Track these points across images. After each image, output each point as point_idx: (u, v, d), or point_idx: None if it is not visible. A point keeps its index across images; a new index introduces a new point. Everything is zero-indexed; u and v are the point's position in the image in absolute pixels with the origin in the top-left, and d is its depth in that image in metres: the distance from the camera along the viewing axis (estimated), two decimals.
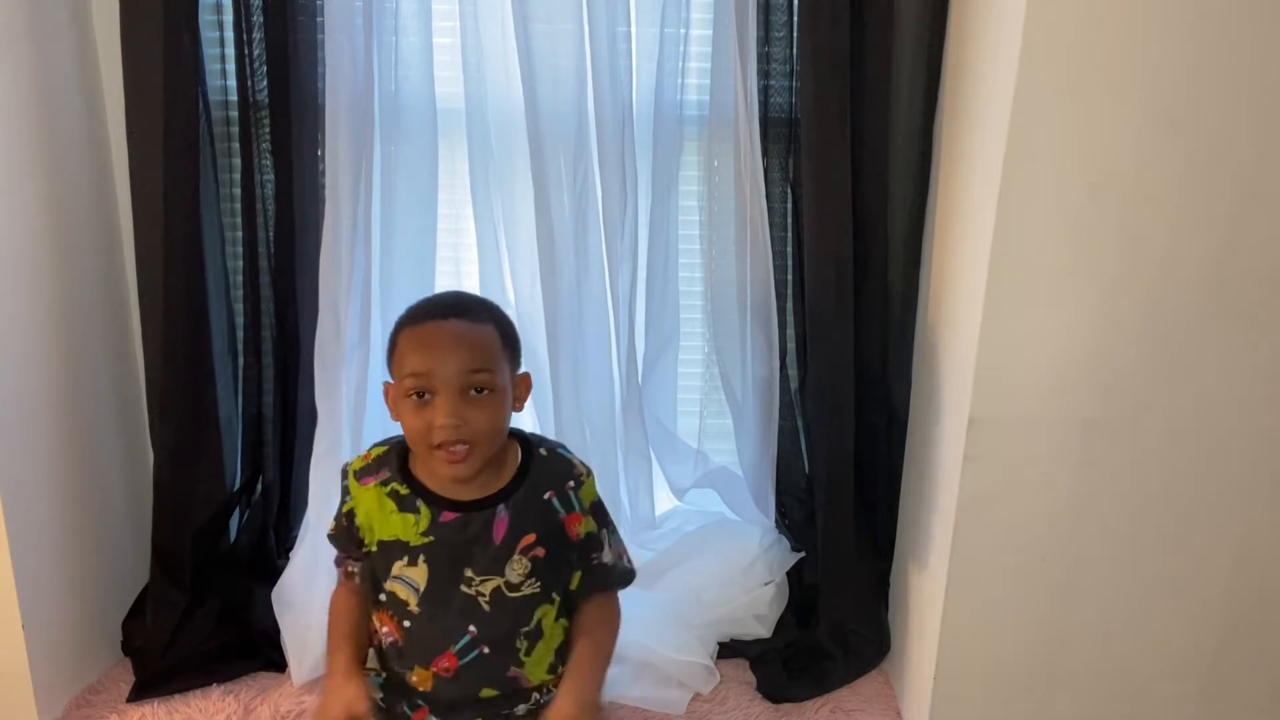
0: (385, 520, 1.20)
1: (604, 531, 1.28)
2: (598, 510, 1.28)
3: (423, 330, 1.16)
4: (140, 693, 1.60)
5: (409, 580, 1.20)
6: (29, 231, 1.46)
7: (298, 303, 1.64)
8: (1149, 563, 1.39)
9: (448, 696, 1.24)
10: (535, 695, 1.28)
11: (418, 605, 1.20)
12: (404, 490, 1.20)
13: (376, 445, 1.27)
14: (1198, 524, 1.37)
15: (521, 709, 1.28)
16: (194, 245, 1.57)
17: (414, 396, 1.14)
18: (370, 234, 1.55)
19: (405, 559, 1.20)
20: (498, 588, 1.21)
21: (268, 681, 1.64)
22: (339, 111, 1.48)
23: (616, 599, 1.32)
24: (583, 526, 1.25)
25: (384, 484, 1.21)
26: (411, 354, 1.14)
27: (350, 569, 1.26)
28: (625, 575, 1.32)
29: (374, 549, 1.22)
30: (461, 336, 1.14)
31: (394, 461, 1.22)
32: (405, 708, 1.26)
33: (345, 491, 1.24)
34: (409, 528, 1.19)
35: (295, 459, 1.70)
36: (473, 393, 1.13)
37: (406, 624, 1.21)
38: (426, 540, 1.19)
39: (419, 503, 1.19)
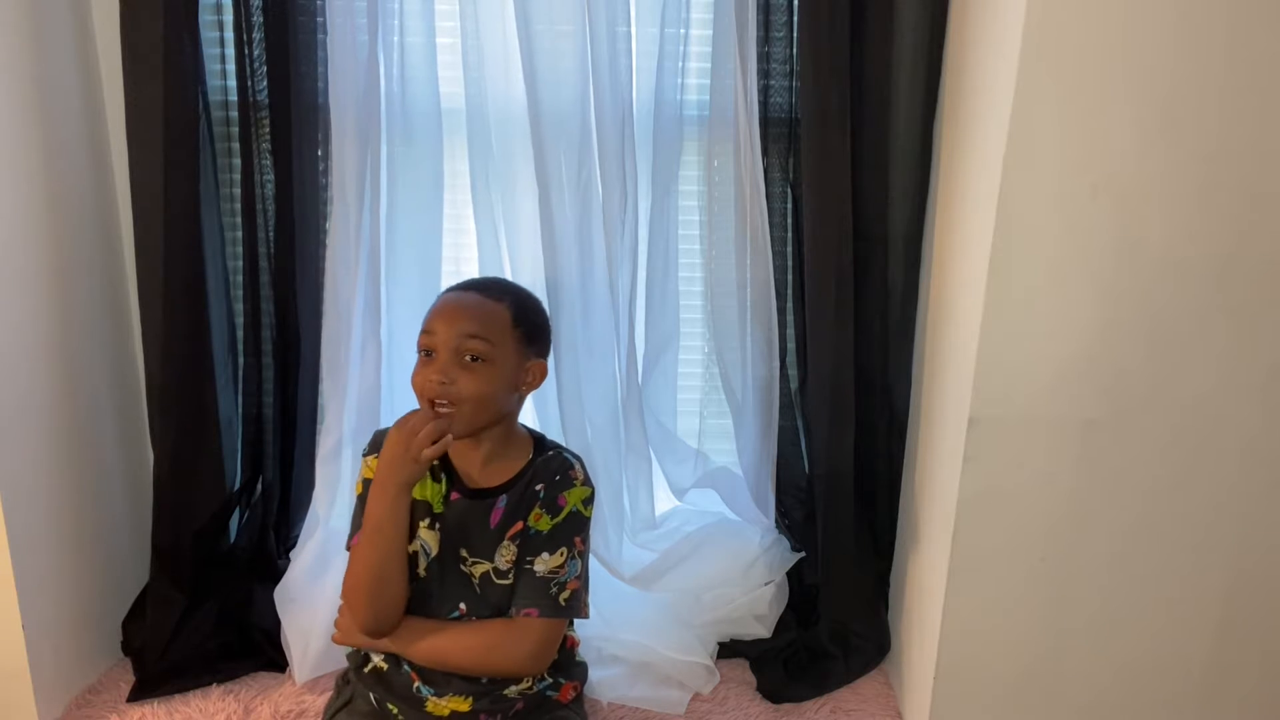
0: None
1: (559, 548, 1.29)
2: (569, 524, 1.30)
3: (443, 298, 1.31)
4: (140, 693, 1.59)
5: (425, 543, 1.32)
6: (29, 231, 1.46)
7: (298, 303, 1.64)
8: (1149, 562, 1.39)
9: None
10: (526, 681, 1.34)
11: (425, 569, 1.31)
12: (435, 461, 1.29)
13: None
14: (1197, 524, 1.37)
15: (513, 690, 1.34)
16: (194, 245, 1.57)
17: (423, 354, 1.27)
18: (378, 235, 1.55)
19: (428, 520, 1.31)
20: (487, 573, 1.31)
21: (268, 681, 1.64)
22: (345, 112, 1.49)
23: (532, 636, 1.28)
24: (539, 524, 1.30)
25: None
26: (428, 317, 1.29)
27: None
28: (549, 602, 1.28)
29: None
30: (467, 306, 1.27)
31: None
32: (406, 666, 1.33)
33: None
34: (435, 494, 1.32)
35: (295, 459, 1.70)
36: (468, 359, 1.24)
37: (411, 585, 1.29)
38: (441, 511, 1.32)
39: (443, 475, 1.32)
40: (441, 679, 1.32)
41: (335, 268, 1.53)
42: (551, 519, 1.30)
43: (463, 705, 1.32)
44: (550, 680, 1.39)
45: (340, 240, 1.52)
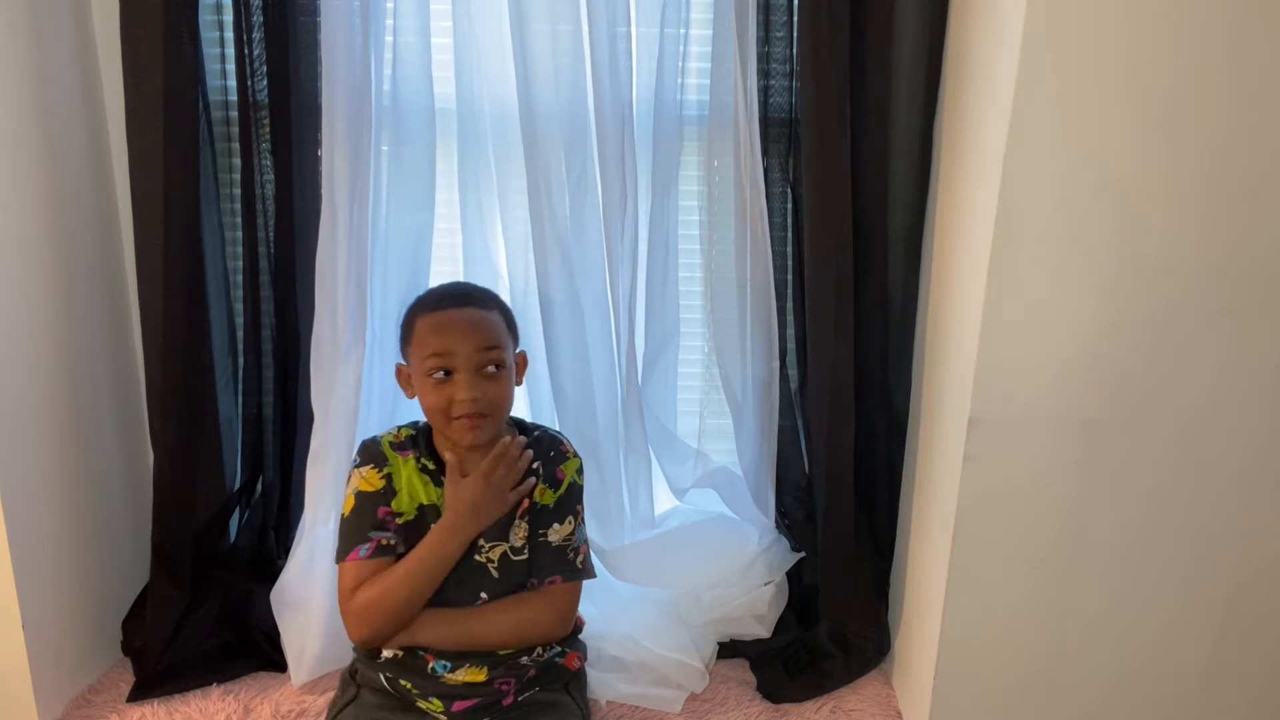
0: (424, 489, 1.38)
1: (566, 517, 1.40)
2: (570, 494, 1.41)
3: (441, 317, 1.33)
4: (140, 693, 1.59)
5: None
6: (29, 231, 1.46)
7: (298, 303, 1.64)
8: (1149, 563, 1.39)
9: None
10: (538, 647, 1.39)
11: None
12: (431, 465, 1.38)
13: (403, 427, 1.44)
14: (1199, 524, 1.37)
15: (525, 659, 1.39)
16: (194, 245, 1.57)
17: (435, 375, 1.31)
18: (365, 234, 1.55)
19: (440, 522, 1.35)
20: (504, 553, 1.38)
21: (268, 681, 1.64)
22: (335, 111, 1.48)
23: (559, 601, 1.39)
24: (545, 498, 1.40)
25: (416, 459, 1.39)
26: (432, 338, 1.32)
27: (385, 541, 1.34)
28: (569, 567, 1.40)
29: (412, 515, 1.37)
30: (476, 321, 1.32)
31: (422, 442, 1.40)
32: (419, 650, 1.37)
33: (383, 460, 1.38)
34: (440, 498, 1.36)
35: (295, 459, 1.70)
36: (489, 369, 1.32)
37: None
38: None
39: (442, 479, 1.36)
40: (458, 653, 1.36)
41: (324, 268, 1.52)
42: (555, 492, 1.40)
43: (479, 675, 1.36)
44: (558, 649, 1.44)
45: (327, 240, 1.51)
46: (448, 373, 1.30)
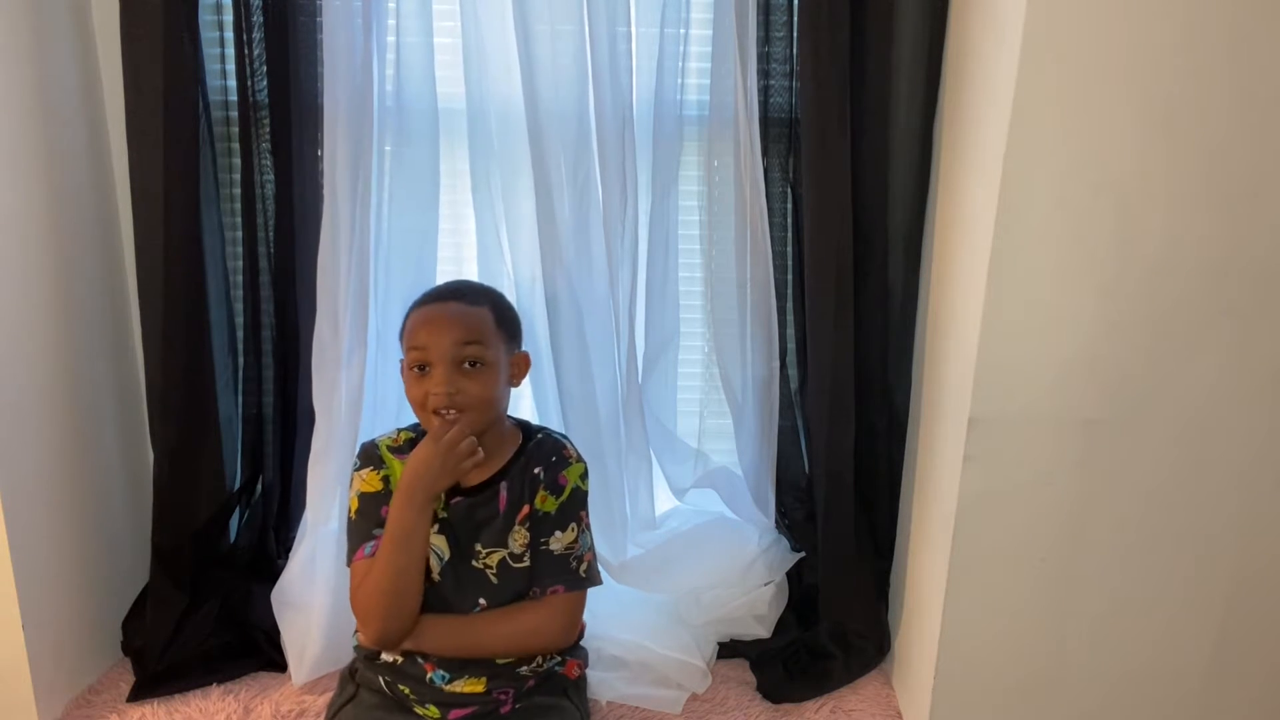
0: None
1: (569, 524, 1.37)
2: (573, 500, 1.38)
3: (424, 311, 1.33)
4: (140, 693, 1.60)
5: (436, 548, 1.34)
6: (29, 231, 1.46)
7: (298, 303, 1.64)
8: (1149, 563, 1.39)
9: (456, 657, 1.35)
10: (538, 657, 1.38)
11: (439, 574, 1.34)
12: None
13: (404, 430, 1.41)
14: (1199, 524, 1.37)
15: (524, 670, 1.38)
16: (194, 245, 1.57)
17: (416, 369, 1.30)
18: (368, 235, 1.55)
19: (435, 526, 1.34)
20: (503, 559, 1.36)
21: (268, 681, 1.64)
22: (337, 112, 1.48)
23: (563, 611, 1.35)
24: (546, 505, 1.36)
25: None
26: (414, 331, 1.31)
27: None
28: (571, 575, 1.36)
29: None
30: (457, 315, 1.31)
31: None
32: (419, 659, 1.36)
33: (380, 462, 1.37)
34: (436, 500, 1.32)
35: (295, 459, 1.70)
36: (466, 365, 1.29)
37: (426, 588, 1.31)
38: (444, 516, 1.35)
39: None
40: (457, 665, 1.35)
41: (326, 269, 1.52)
42: (556, 499, 1.37)
43: (477, 686, 1.35)
44: (558, 658, 1.43)
45: (328, 241, 1.51)
46: (426, 366, 1.29)
